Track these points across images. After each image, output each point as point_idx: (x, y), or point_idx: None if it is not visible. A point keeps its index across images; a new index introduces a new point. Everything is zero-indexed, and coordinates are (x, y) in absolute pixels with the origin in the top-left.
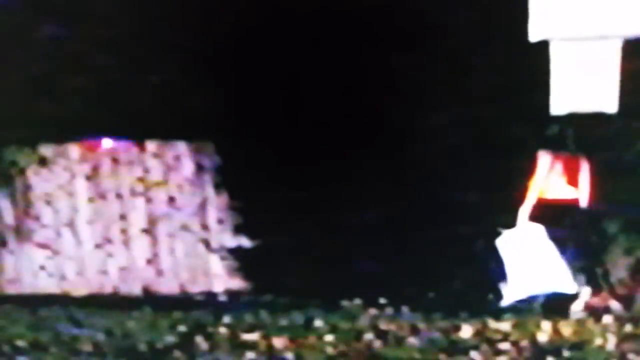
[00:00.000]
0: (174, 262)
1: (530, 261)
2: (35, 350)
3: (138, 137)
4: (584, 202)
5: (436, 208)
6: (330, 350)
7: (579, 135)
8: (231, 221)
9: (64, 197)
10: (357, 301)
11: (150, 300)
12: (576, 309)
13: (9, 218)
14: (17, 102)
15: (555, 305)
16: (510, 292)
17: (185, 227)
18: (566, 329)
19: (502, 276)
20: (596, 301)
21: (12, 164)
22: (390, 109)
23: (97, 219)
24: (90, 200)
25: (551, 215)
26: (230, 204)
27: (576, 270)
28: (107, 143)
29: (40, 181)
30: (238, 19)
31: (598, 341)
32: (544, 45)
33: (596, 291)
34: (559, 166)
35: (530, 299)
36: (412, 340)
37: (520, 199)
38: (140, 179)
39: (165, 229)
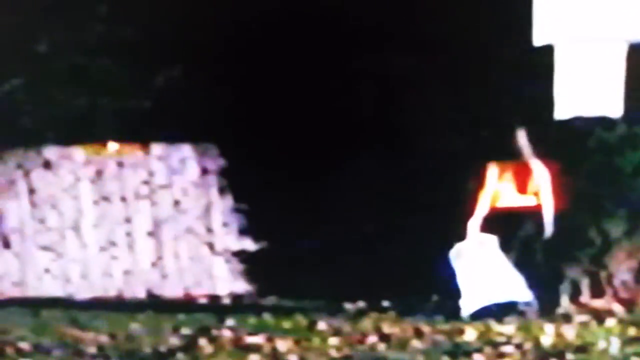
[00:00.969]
0: (179, 265)
1: (483, 271)
2: (39, 353)
3: (143, 140)
4: (547, 209)
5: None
6: (334, 353)
7: (537, 141)
8: (236, 224)
9: (68, 199)
10: (361, 304)
11: (154, 303)
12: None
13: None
14: (22, 104)
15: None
16: (467, 303)
17: (189, 230)
18: (570, 332)
19: (456, 288)
20: (600, 304)
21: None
22: (399, 111)
23: (101, 222)
24: (95, 203)
25: (504, 224)
26: (235, 207)
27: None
28: (112, 146)
29: (44, 184)
30: (243, 20)
31: (602, 344)
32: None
33: (599, 294)
34: (508, 175)
35: (487, 309)
36: (416, 343)
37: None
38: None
39: (170, 232)
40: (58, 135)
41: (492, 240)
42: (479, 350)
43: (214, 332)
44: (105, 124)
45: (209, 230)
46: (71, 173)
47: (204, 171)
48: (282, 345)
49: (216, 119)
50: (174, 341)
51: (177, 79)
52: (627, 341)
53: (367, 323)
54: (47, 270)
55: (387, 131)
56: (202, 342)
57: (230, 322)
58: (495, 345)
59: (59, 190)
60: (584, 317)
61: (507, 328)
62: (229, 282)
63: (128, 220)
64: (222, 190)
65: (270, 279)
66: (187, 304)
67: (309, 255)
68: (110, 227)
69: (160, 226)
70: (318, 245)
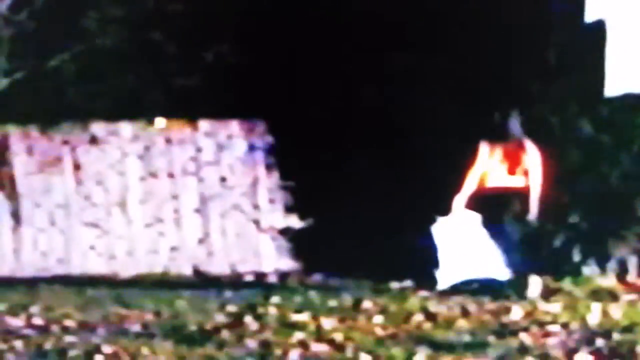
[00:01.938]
0: (225, 242)
1: (464, 248)
2: (84, 331)
3: (191, 116)
4: (535, 189)
5: None
6: (379, 331)
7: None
8: (282, 201)
9: (114, 176)
10: (407, 282)
11: (200, 280)
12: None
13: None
14: (69, 79)
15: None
16: (444, 277)
17: (236, 207)
18: (616, 312)
19: (436, 262)
20: None
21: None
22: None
23: (148, 198)
24: (142, 179)
25: (491, 203)
26: (281, 184)
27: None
28: (159, 122)
29: (91, 160)
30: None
31: None
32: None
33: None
34: (499, 154)
35: (464, 284)
36: (462, 323)
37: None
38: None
39: (217, 209)
40: (105, 111)
41: (476, 218)
42: (526, 330)
43: (260, 309)
44: (153, 100)
45: (256, 207)
46: (118, 149)
47: (251, 148)
48: (327, 323)
49: (264, 96)
50: (220, 318)
51: (226, 55)
52: None
53: (413, 302)
54: (92, 247)
55: (433, 117)
56: (248, 319)
57: (275, 299)
58: (541, 324)
59: (105, 166)
60: (631, 296)
61: (554, 307)
62: (274, 260)
63: (175, 196)
64: (268, 167)
65: (316, 257)
66: (233, 281)
67: (355, 234)
68: (157, 203)
69: (207, 203)
70: (364, 222)
